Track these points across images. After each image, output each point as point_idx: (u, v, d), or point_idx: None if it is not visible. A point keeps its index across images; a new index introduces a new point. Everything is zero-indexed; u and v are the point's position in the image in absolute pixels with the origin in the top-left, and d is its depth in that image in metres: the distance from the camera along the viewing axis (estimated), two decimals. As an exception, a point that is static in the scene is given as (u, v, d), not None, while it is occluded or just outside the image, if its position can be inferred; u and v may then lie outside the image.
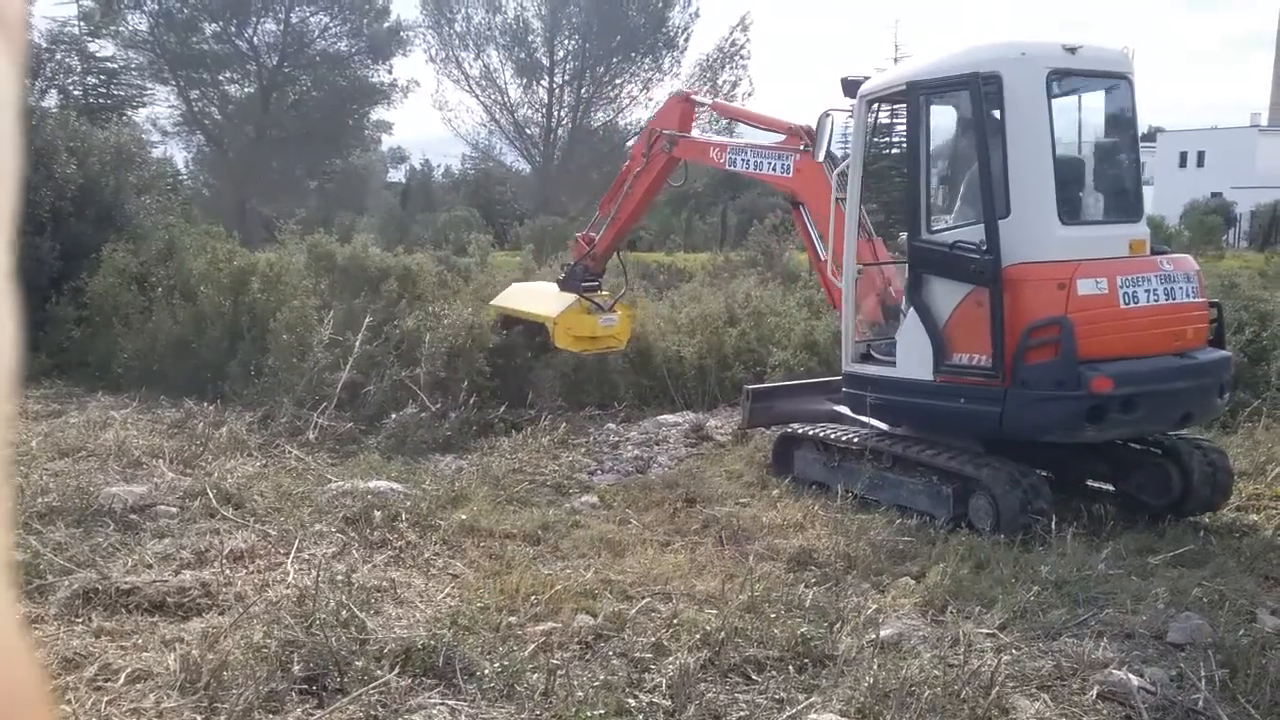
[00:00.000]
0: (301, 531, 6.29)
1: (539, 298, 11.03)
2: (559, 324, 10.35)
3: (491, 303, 11.32)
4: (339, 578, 5.33)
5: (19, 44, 0.46)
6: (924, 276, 7.12)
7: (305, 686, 4.39)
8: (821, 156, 8.21)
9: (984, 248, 6.69)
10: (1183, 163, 57.09)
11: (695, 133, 10.37)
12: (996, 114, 6.84)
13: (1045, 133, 6.81)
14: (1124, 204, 7.50)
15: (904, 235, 8.06)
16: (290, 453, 8.43)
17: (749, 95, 44.58)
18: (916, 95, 7.24)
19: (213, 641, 4.61)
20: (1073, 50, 6.97)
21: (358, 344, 9.92)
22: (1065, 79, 7.04)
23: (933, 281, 7.09)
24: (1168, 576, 5.69)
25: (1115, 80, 7.31)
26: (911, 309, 7.16)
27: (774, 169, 8.91)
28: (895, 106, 8.32)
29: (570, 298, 10.52)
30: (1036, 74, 6.81)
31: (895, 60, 31.04)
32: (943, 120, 7.47)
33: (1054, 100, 6.89)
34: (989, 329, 6.67)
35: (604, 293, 10.92)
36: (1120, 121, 7.49)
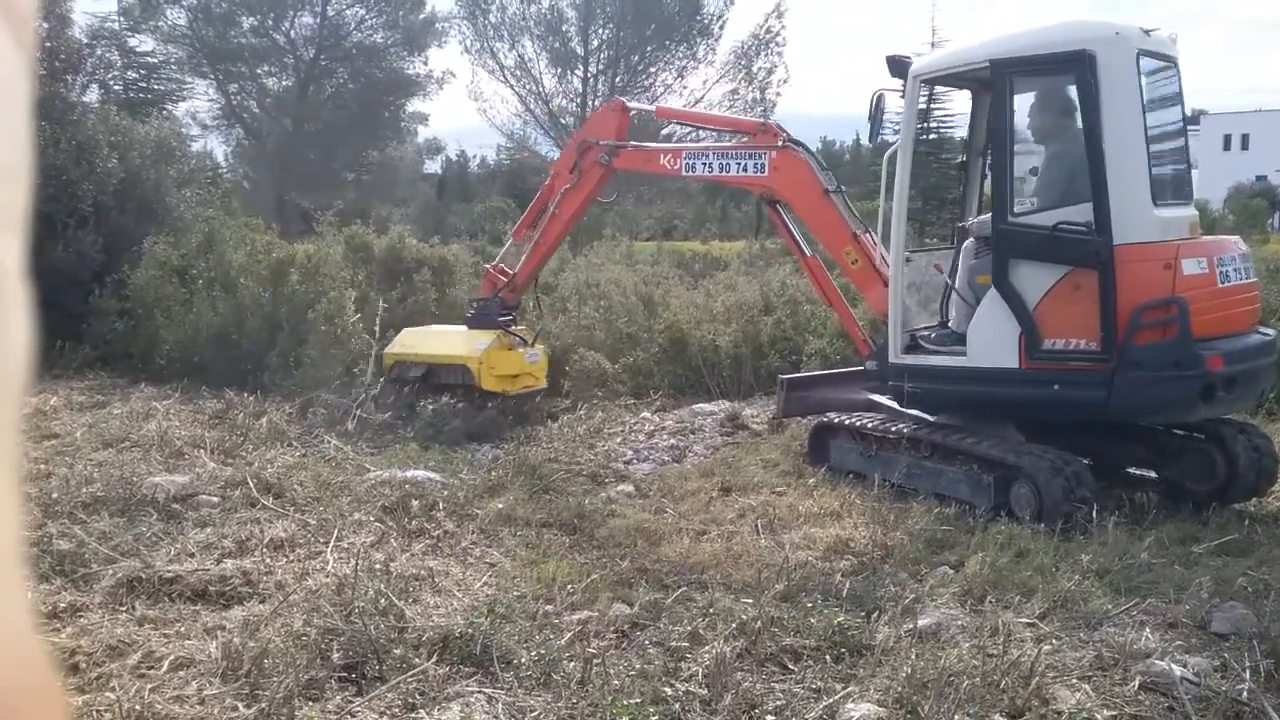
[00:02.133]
0: (340, 521, 6.34)
1: (446, 340, 10.02)
2: (484, 364, 9.56)
3: (387, 351, 10.11)
4: (377, 566, 5.37)
5: (29, 40, 0.46)
6: (1010, 261, 6.96)
7: (345, 674, 4.43)
8: (874, 138, 8.10)
9: (1094, 228, 6.61)
10: (1227, 145, 56.11)
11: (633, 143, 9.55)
12: (1093, 93, 6.72)
13: (1138, 112, 6.76)
14: (1181, 186, 7.46)
15: (971, 220, 7.97)
16: (329, 442, 8.50)
17: (785, 82, 44.17)
18: (1003, 74, 7.08)
19: (254, 629, 4.66)
20: (1148, 33, 6.98)
21: (377, 330, 9.95)
22: (1145, 60, 6.97)
23: (1021, 265, 6.93)
24: (1212, 565, 5.60)
25: (1172, 63, 7.24)
26: (991, 293, 7.03)
27: (745, 169, 8.57)
28: (946, 89, 8.23)
29: (485, 336, 9.72)
30: (1129, 53, 6.75)
31: (932, 45, 30.65)
32: (1023, 101, 7.35)
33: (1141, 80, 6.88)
34: (1091, 311, 6.61)
35: (521, 327, 10.20)
36: (1175, 104, 7.41)
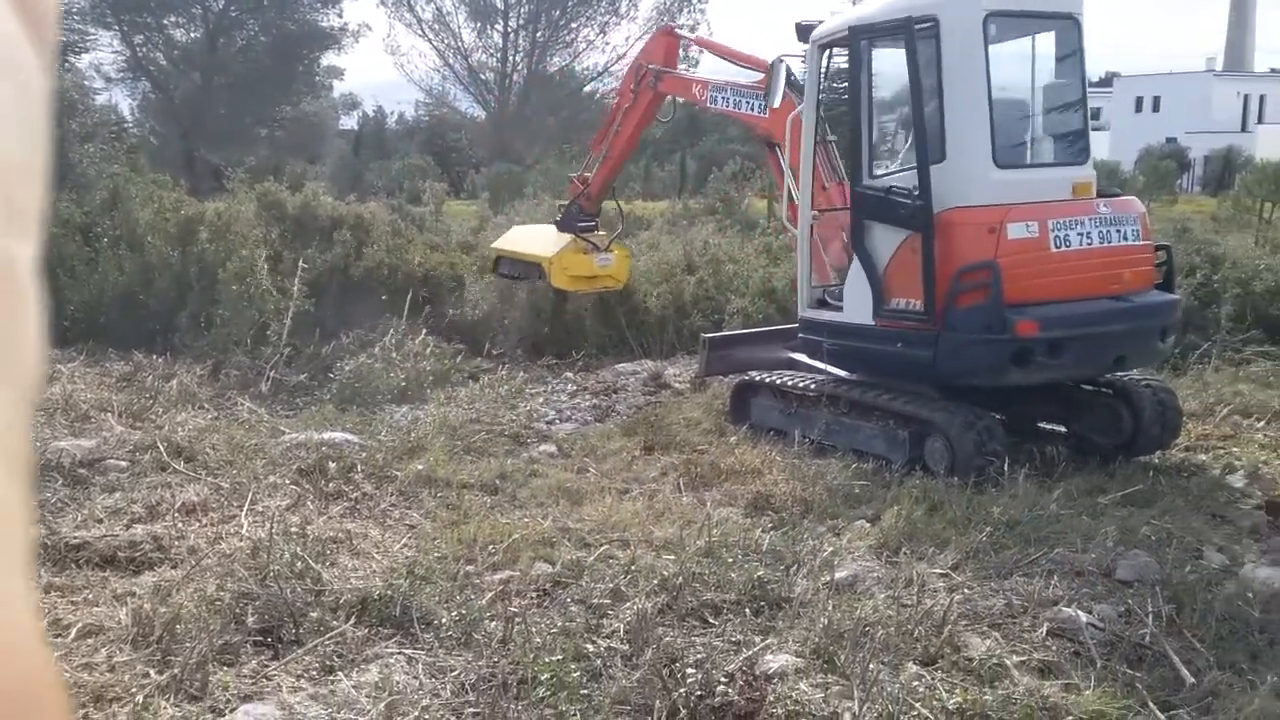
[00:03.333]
0: (255, 484, 6.22)
1: (536, 239, 11.06)
2: (555, 263, 10.44)
3: (492, 245, 11.58)
4: (293, 530, 5.29)
5: (49, 40, 0.46)
6: (865, 222, 7.20)
7: (260, 638, 4.37)
8: (777, 103, 8.17)
9: (916, 193, 6.75)
10: (1139, 108, 57.38)
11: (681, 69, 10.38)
12: (934, 58, 6.83)
13: (981, 76, 6.81)
14: (1069, 147, 7.52)
15: None
16: (242, 405, 8.32)
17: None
18: (858, 39, 7.26)
19: (165, 595, 4.56)
20: None
21: (295, 290, 9.76)
22: (1006, 20, 7.02)
23: (874, 227, 7.15)
24: (1117, 516, 5.79)
25: (1063, 20, 7.27)
26: (855, 254, 7.24)
27: (752, 109, 8.84)
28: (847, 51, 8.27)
29: (567, 238, 10.54)
30: (973, 16, 6.78)
31: (854, 3, 30.75)
32: (885, 65, 7.45)
33: (992, 43, 6.89)
34: (921, 273, 6.75)
35: (600, 233, 10.91)
36: (1067, 62, 7.45)
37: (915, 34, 6.78)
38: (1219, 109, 53.47)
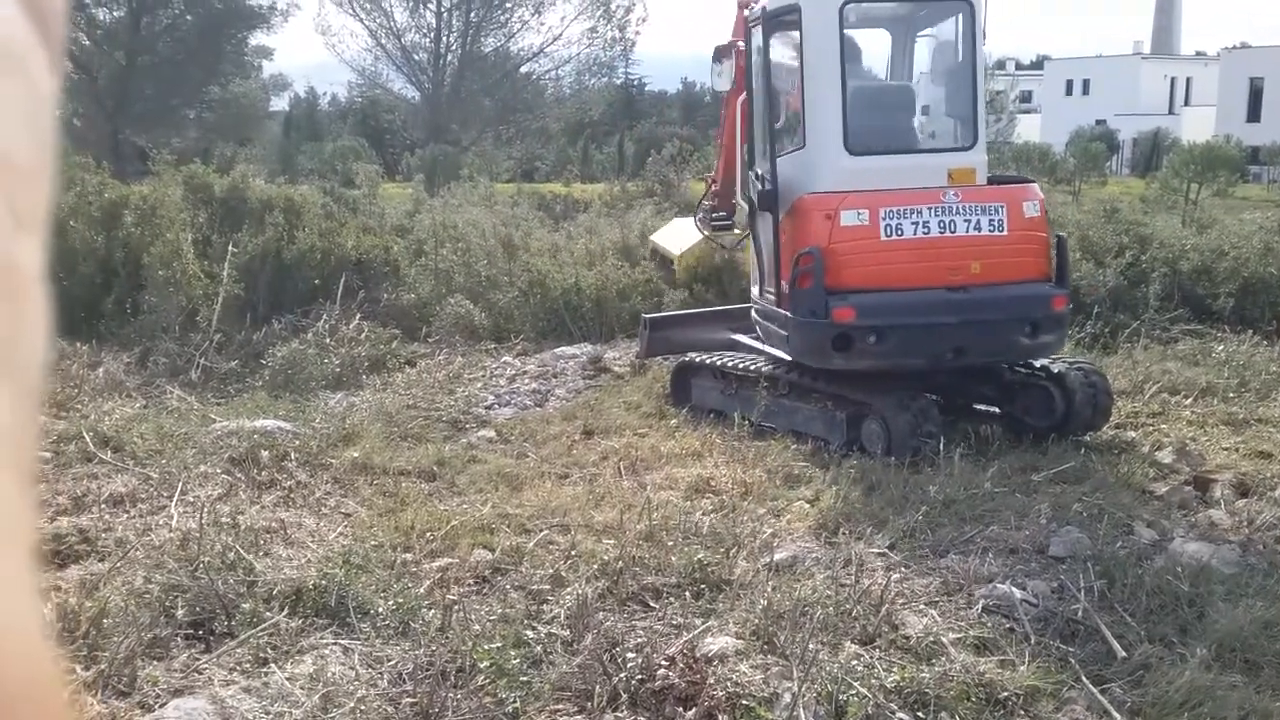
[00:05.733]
0: (185, 474, 6.07)
1: (678, 233, 11.81)
2: (681, 261, 11.30)
3: (650, 237, 12.60)
4: (225, 520, 5.17)
5: (57, 39, 0.46)
6: (756, 209, 7.44)
7: (191, 631, 4.27)
8: (725, 86, 8.33)
9: (767, 179, 7.03)
10: (1069, 90, 58.35)
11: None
12: (797, 46, 7.05)
13: (835, 64, 6.93)
14: (949, 132, 7.64)
15: None
16: (172, 392, 8.13)
17: (644, 21, 44.04)
18: (750, 29, 7.53)
19: (91, 589, 4.43)
20: None
21: (225, 275, 9.56)
22: (868, 7, 7.32)
23: (760, 213, 7.45)
24: (1050, 493, 5.88)
25: (948, 5, 7.40)
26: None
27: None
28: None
29: (696, 236, 10.84)
30: (830, 6, 6.92)
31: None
32: (772, 55, 7.61)
33: (851, 29, 7.13)
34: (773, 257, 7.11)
35: (736, 231, 10.10)
36: (953, 48, 7.53)
37: (781, 24, 7.06)
38: (1146, 92, 54.59)
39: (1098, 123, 49.75)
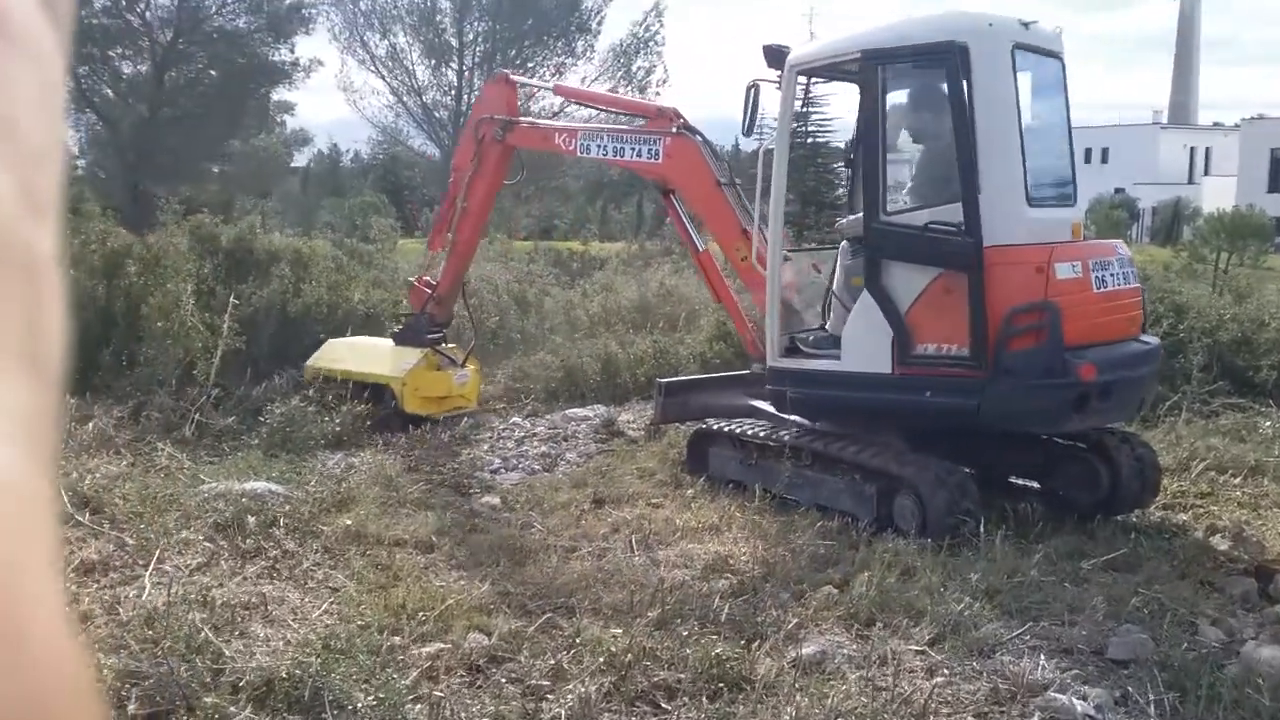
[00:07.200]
0: (165, 540, 5.64)
1: (371, 356, 9.48)
2: (408, 386, 9.07)
3: (308, 364, 9.53)
4: (196, 596, 4.72)
5: (66, 24, 0.46)
6: (882, 262, 6.64)
7: (146, 727, 3.80)
8: (748, 132, 7.69)
9: (964, 229, 6.29)
10: (1088, 159, 58.22)
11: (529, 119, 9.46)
12: (960, 89, 6.42)
13: (1013, 108, 6.49)
14: (1065, 187, 7.23)
15: (843, 220, 7.65)
16: (162, 449, 7.71)
17: (664, 83, 44.08)
18: (873, 65, 6.78)
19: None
20: (1026, 25, 6.69)
21: (225, 327, 9.19)
22: (1025, 54, 6.71)
23: (893, 267, 6.61)
24: (1102, 583, 5.37)
25: (1055, 59, 7.03)
26: (864, 296, 6.69)
27: (639, 154, 8.20)
28: (824, 81, 7.95)
29: (413, 354, 9.22)
30: (1003, 46, 6.47)
31: (811, 35, 30.75)
32: (901, 95, 7.10)
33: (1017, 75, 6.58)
34: (963, 316, 6.28)
35: (453, 345, 9.72)
36: (1058, 103, 7.19)
37: (956, 61, 6.35)
38: (1166, 161, 54.48)
39: (1117, 191, 49.54)
